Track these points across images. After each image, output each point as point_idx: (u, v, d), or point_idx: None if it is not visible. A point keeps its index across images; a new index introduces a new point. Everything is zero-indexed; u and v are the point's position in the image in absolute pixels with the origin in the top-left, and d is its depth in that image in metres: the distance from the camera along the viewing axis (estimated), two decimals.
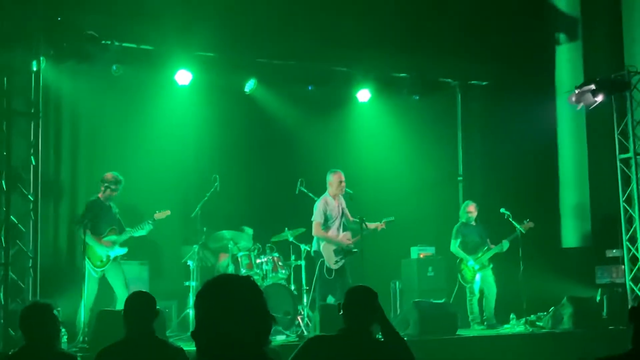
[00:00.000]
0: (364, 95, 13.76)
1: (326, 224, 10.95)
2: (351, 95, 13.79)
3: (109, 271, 10.20)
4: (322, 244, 10.94)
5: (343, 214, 11.10)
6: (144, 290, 5.98)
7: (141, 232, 10.49)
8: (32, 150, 9.92)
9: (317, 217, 10.93)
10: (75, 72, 11.25)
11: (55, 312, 5.52)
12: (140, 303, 5.40)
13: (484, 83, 14.54)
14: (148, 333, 5.33)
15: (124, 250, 10.35)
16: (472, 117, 14.85)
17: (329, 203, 10.97)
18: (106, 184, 10.37)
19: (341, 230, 11.01)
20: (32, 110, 9.97)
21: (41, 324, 5.36)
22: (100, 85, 11.69)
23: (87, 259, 10.02)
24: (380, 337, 5.24)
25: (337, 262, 10.85)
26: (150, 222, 10.44)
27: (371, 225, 10.85)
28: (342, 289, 10.65)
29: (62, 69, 11.03)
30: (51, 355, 5.41)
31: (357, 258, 10.72)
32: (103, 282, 10.25)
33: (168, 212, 10.60)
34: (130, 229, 10.41)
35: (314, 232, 10.97)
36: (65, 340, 9.41)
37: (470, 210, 12.60)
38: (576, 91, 12.88)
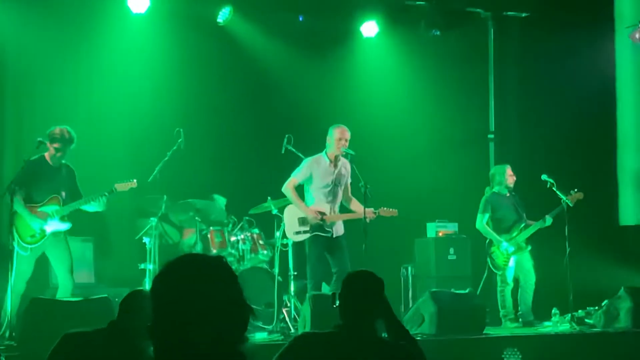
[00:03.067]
0: (369, 28, 13.73)
1: (309, 187, 10.93)
2: (353, 28, 13.75)
3: (50, 250, 10.18)
4: (287, 206, 11.02)
5: (338, 184, 11.02)
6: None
7: (95, 206, 10.40)
8: None
9: (295, 173, 10.91)
10: None
11: None
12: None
13: (523, 15, 14.50)
14: None
15: (66, 226, 10.30)
16: (508, 59, 14.82)
17: (320, 163, 10.90)
18: (52, 141, 10.31)
19: (332, 202, 10.96)
20: None
21: None
22: (32, 14, 11.65)
23: (14, 233, 10.02)
24: (385, 335, 5.29)
25: (297, 233, 10.87)
26: (106, 193, 10.37)
27: (359, 210, 10.79)
28: (319, 275, 10.79)
29: None
30: None
31: (359, 236, 10.74)
32: (40, 264, 10.26)
33: (134, 184, 10.48)
34: (76, 202, 10.36)
35: (283, 187, 10.93)
36: None
37: (509, 176, 12.59)
38: None
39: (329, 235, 10.82)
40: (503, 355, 9.94)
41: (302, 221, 10.86)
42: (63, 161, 10.37)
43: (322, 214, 10.81)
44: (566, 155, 13.75)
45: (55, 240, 10.20)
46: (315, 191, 10.93)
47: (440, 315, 10.63)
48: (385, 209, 10.81)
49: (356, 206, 10.86)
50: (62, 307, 9.06)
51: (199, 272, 2.67)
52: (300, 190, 11.03)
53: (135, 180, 10.48)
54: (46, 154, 10.28)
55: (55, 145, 10.23)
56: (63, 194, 10.29)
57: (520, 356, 9.88)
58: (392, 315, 5.29)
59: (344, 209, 11.11)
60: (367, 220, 10.60)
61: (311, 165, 10.90)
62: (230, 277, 2.70)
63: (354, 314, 5.01)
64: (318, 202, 10.88)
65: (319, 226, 10.81)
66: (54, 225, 10.19)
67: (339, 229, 10.94)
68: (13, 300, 9.61)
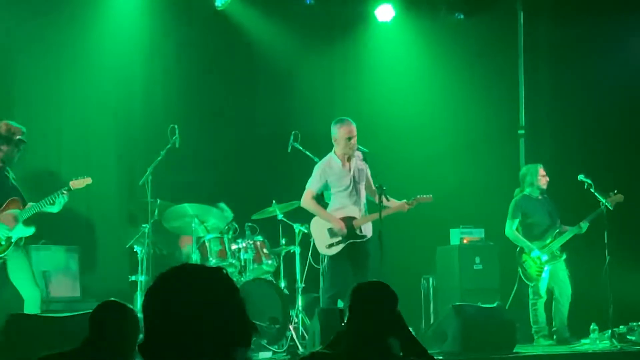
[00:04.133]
0: (385, 12, 13.74)
1: (329, 192, 10.93)
2: (367, 12, 13.77)
3: (10, 260, 10.16)
4: (313, 219, 11.01)
5: (358, 181, 10.98)
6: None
7: (51, 207, 10.39)
8: None
9: (310, 183, 10.94)
10: None
11: None
12: None
13: None
14: None
15: (31, 231, 10.30)
16: (539, 46, 14.84)
17: (332, 166, 10.91)
18: (4, 141, 10.31)
19: (357, 202, 10.91)
20: None
21: None
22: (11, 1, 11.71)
23: None
24: (401, 354, 5.29)
25: (330, 245, 10.81)
26: (64, 192, 10.37)
27: (392, 205, 10.75)
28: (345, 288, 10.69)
29: None
30: None
31: (374, 244, 10.74)
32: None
33: (88, 180, 10.46)
34: (36, 203, 10.36)
35: (302, 201, 11.01)
36: None
37: (541, 177, 12.57)
38: None
39: (364, 239, 10.85)
40: None
41: (333, 232, 10.83)
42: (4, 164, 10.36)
43: (352, 218, 10.82)
44: (605, 153, 13.72)
45: (15, 250, 10.18)
46: (336, 195, 10.92)
47: (465, 332, 10.62)
48: (420, 196, 10.86)
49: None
50: (43, 323, 9.06)
51: (196, 285, 2.67)
52: (319, 200, 11.05)
53: (89, 178, 10.47)
54: None
55: (4, 143, 10.22)
56: (17, 197, 10.29)
57: None
58: (408, 332, 5.30)
59: (372, 205, 11.02)
60: (406, 209, 10.79)
61: (324, 171, 10.88)
62: (231, 290, 2.69)
63: (364, 331, 5.02)
64: (343, 206, 10.87)
65: (352, 233, 10.82)
66: (19, 231, 10.18)
67: (368, 231, 10.91)
68: None
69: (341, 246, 10.76)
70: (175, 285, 2.68)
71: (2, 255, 10.05)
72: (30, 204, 10.32)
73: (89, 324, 5.54)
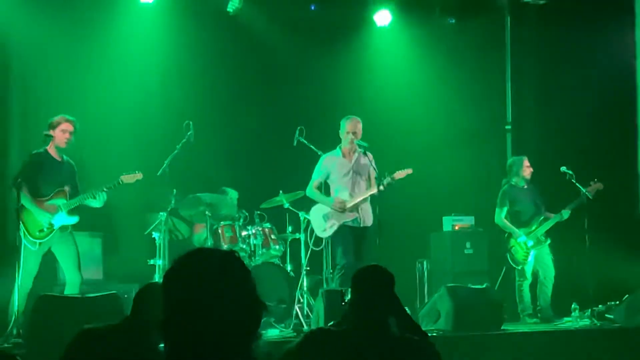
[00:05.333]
0: (383, 17, 13.71)
1: (329, 181, 11.01)
2: (366, 17, 13.73)
3: (56, 245, 10.18)
4: (312, 208, 11.16)
5: (359, 173, 10.98)
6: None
7: (93, 202, 10.37)
8: None
9: (314, 175, 11.12)
10: None
11: None
12: None
13: (541, 2, 14.45)
14: None
15: (74, 220, 10.28)
16: (526, 48, 14.78)
17: (333, 157, 11.00)
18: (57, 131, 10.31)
19: (354, 191, 10.93)
20: None
21: None
22: (37, 3, 11.65)
23: (21, 227, 10.02)
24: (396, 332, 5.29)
25: (325, 230, 10.95)
26: (104, 189, 10.32)
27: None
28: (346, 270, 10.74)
29: None
30: None
31: (373, 231, 10.73)
32: (47, 260, 10.27)
33: (139, 176, 10.45)
34: (82, 195, 10.36)
35: (306, 191, 11.19)
36: None
37: (526, 167, 12.56)
38: None
39: (357, 224, 10.86)
40: None
41: (327, 217, 10.94)
42: (65, 156, 10.37)
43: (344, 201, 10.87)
44: (585, 146, 13.68)
45: (62, 236, 10.20)
46: (336, 184, 11.04)
47: (456, 311, 10.60)
48: (399, 171, 10.76)
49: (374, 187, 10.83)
50: (70, 303, 9.08)
51: (211, 267, 2.68)
52: (327, 191, 11.12)
53: (140, 173, 10.48)
54: (49, 147, 10.26)
55: (67, 135, 10.24)
56: (67, 187, 10.30)
57: None
58: (404, 311, 5.32)
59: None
60: (385, 183, 10.55)
61: (326, 162, 11.05)
62: (243, 272, 2.71)
63: (364, 310, 5.02)
64: (339, 193, 10.93)
65: (343, 215, 10.86)
66: (62, 219, 10.20)
67: (366, 219, 10.92)
68: (20, 297, 9.60)
69: (335, 227, 10.87)
70: (192, 267, 2.69)
71: (43, 240, 10.05)
72: (80, 194, 10.33)
73: (133, 303, 5.49)
